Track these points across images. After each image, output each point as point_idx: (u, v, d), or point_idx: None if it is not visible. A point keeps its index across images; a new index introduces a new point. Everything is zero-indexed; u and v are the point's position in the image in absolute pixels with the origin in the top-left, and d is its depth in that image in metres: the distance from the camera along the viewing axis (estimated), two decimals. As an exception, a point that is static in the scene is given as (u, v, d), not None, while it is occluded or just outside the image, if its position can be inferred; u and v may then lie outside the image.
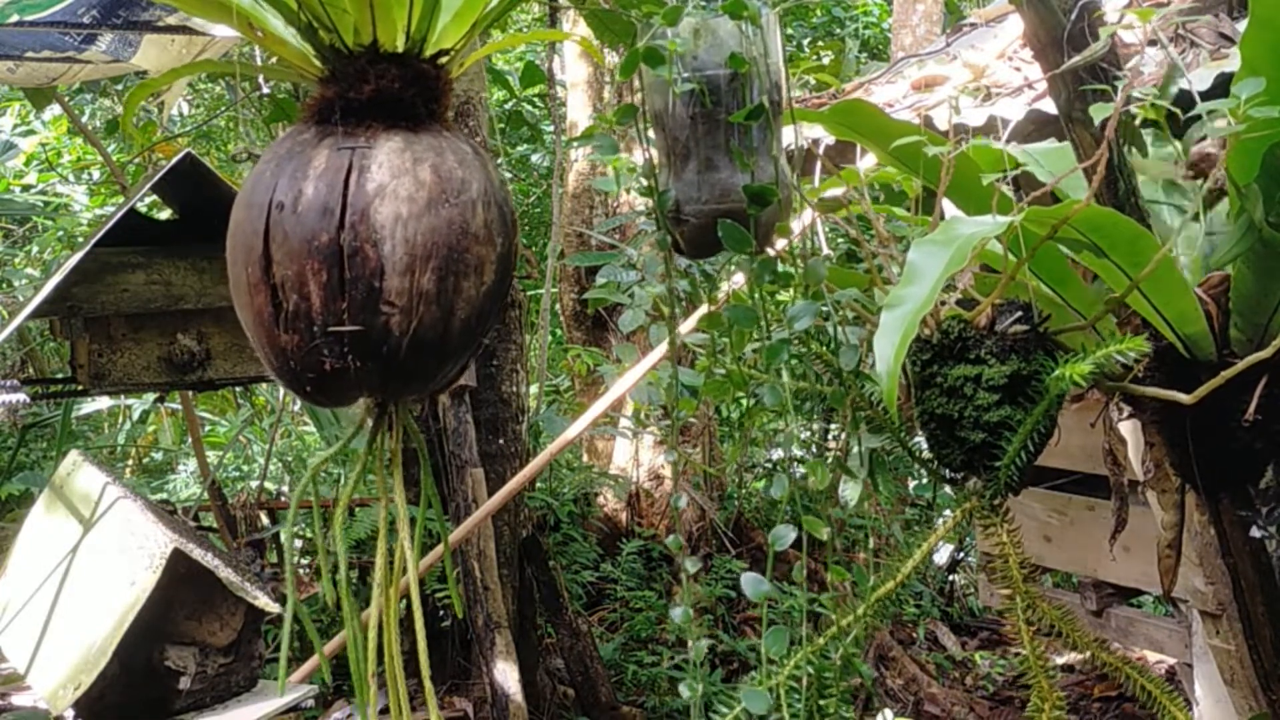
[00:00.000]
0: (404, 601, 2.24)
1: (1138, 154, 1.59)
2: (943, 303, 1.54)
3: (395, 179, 1.30)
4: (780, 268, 1.63)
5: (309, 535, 5.53)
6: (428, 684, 1.38)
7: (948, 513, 1.65)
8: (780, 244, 1.62)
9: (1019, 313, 1.50)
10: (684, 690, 1.47)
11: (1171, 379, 1.54)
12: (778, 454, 7.06)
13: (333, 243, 1.28)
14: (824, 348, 1.61)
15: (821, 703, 1.50)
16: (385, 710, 1.56)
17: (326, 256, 1.28)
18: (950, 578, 6.75)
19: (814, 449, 1.70)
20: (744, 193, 1.47)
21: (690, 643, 1.51)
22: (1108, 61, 1.51)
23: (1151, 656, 5.20)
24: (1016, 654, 6.01)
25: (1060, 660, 5.58)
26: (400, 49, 1.37)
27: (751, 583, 1.48)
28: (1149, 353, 1.46)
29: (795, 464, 1.55)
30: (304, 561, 5.65)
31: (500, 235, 1.37)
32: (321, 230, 1.28)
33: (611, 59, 6.82)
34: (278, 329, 1.32)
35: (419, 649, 1.36)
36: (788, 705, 1.45)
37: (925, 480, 6.49)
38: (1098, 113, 1.47)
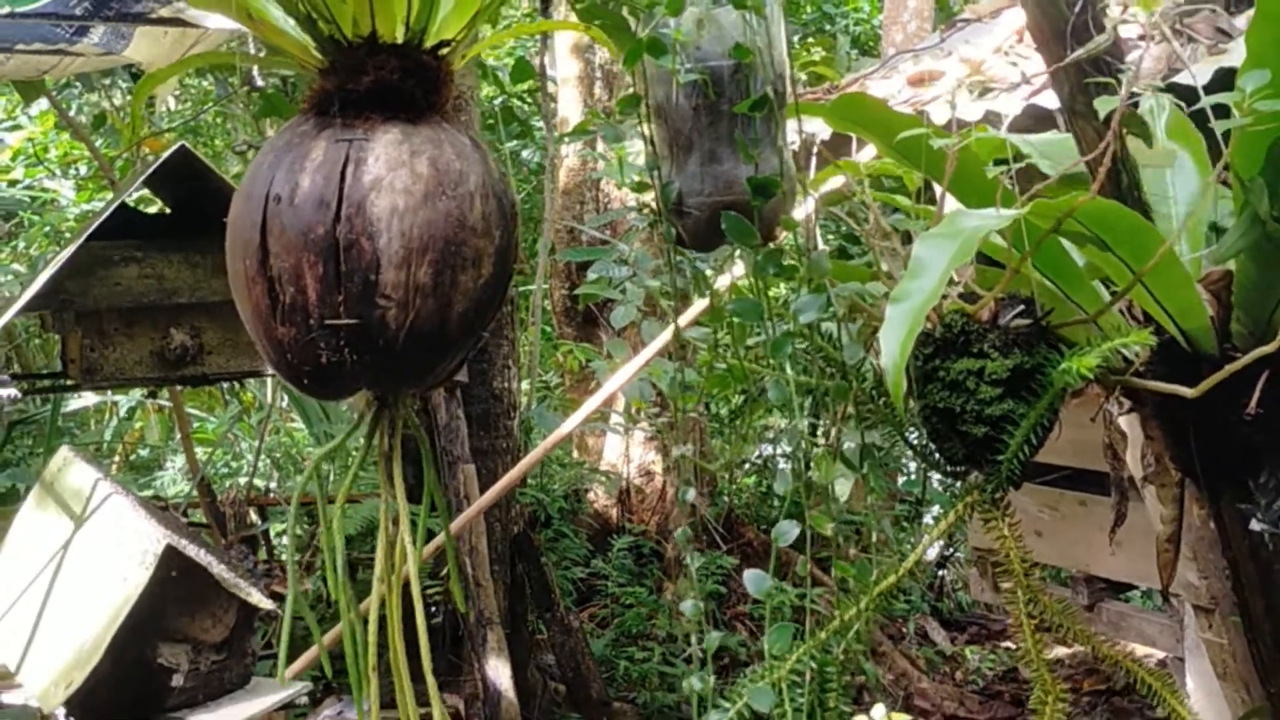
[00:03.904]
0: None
1: (1143, 143, 1.58)
2: (945, 297, 1.53)
3: (392, 171, 1.29)
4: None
5: (299, 531, 5.50)
6: (429, 678, 1.37)
7: (937, 508, 1.65)
8: (781, 236, 1.61)
9: (1021, 307, 1.49)
10: (695, 683, 1.45)
11: (1173, 373, 1.53)
12: (768, 450, 7.06)
13: (328, 235, 1.27)
14: (825, 342, 1.61)
15: (823, 696, 1.50)
16: (383, 705, 1.55)
17: (322, 249, 1.27)
18: (940, 573, 6.76)
19: (811, 444, 1.69)
20: (748, 184, 1.46)
21: (693, 637, 1.50)
22: (1111, 54, 1.50)
23: (1142, 651, 5.21)
24: (1006, 648, 6.03)
25: (1049, 655, 5.59)
26: (400, 40, 1.35)
27: (754, 580, 1.47)
28: (1151, 346, 1.46)
29: (798, 458, 1.54)
30: (297, 557, 5.62)
31: (499, 228, 1.35)
32: (317, 223, 1.27)
33: (603, 55, 6.81)
34: (275, 322, 1.31)
35: (420, 643, 1.35)
36: (790, 700, 1.44)
37: (914, 476, 6.51)
38: (1102, 106, 1.46)
